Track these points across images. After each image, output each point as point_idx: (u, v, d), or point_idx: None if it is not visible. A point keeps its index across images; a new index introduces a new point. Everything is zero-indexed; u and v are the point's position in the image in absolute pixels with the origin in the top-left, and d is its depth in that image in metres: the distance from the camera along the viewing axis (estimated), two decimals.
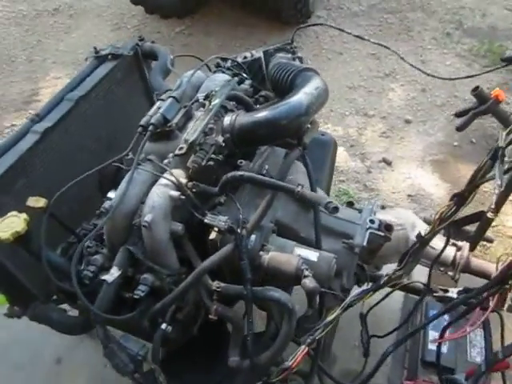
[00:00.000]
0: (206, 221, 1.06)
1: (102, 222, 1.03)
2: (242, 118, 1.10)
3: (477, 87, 1.29)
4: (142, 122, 1.15)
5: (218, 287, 1.06)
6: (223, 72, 1.60)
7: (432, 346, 1.41)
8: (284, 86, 1.36)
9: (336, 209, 0.90)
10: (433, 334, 1.44)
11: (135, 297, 1.04)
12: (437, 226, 0.92)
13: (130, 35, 3.78)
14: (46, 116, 1.42)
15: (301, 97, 1.13)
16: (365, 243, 1.17)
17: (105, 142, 1.67)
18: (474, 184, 0.87)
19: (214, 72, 1.63)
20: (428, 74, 1.43)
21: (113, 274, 1.04)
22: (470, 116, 1.27)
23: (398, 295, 1.94)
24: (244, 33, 3.79)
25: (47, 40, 3.80)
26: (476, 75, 1.38)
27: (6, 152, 1.32)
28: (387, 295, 1.48)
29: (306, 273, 1.05)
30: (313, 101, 1.14)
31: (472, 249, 1.69)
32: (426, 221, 1.95)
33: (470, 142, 2.86)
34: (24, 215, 1.05)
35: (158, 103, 1.20)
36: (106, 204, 1.06)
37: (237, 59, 1.71)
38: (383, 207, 2.21)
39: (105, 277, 1.04)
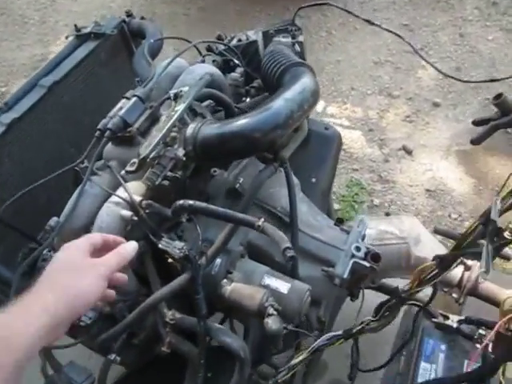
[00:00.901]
0: (160, 246, 0.94)
1: (46, 243, 0.93)
2: (207, 128, 0.95)
3: (500, 95, 1.07)
4: (100, 125, 1.02)
5: (172, 319, 0.96)
6: (213, 59, 1.43)
7: (422, 380, 1.27)
8: (272, 81, 1.19)
9: (293, 258, 0.76)
10: (425, 367, 1.31)
11: (81, 324, 0.95)
12: (415, 286, 0.77)
13: None
14: (14, 105, 1.31)
15: (279, 105, 0.96)
16: (345, 275, 1.03)
17: (88, 129, 1.55)
18: (458, 252, 0.71)
19: (203, 57, 1.47)
20: (444, 74, 1.21)
21: None
22: (489, 128, 1.07)
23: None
24: None
25: (61, 0, 3.65)
26: (505, 78, 1.16)
27: None
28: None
29: (271, 311, 0.93)
30: (294, 109, 0.97)
31: None
32: (436, 231, 1.77)
33: (504, 132, 2.56)
34: None
35: (120, 102, 1.06)
36: (52, 221, 0.95)
37: (232, 41, 1.53)
38: (388, 214, 2.03)
39: None
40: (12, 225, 1.08)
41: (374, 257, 1.07)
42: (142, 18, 1.60)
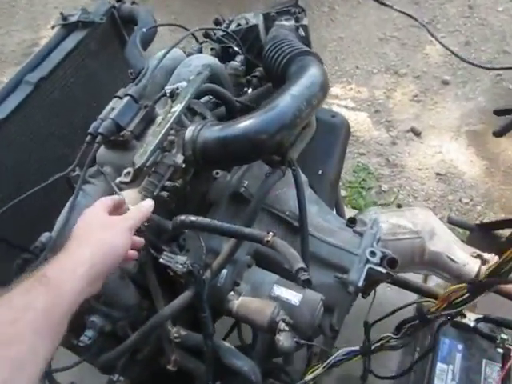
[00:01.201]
0: (161, 261, 0.87)
1: (38, 261, 0.86)
2: (207, 131, 0.86)
3: None
4: (91, 128, 0.93)
5: (176, 336, 0.90)
6: (211, 47, 1.33)
7: (439, 382, 1.22)
8: (276, 73, 1.09)
9: (307, 281, 0.69)
10: (441, 367, 1.25)
11: (80, 345, 0.89)
12: (442, 309, 0.70)
13: None
14: None
15: (286, 102, 0.87)
16: (360, 283, 0.96)
17: (80, 125, 1.46)
18: (495, 279, 0.63)
19: (201, 44, 1.37)
20: (462, 59, 1.11)
21: None
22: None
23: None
24: None
25: None
26: None
27: None
28: (397, 310, 1.29)
29: (282, 326, 0.86)
30: (302, 106, 0.88)
31: None
32: (450, 221, 1.70)
33: None
34: None
35: (112, 102, 0.97)
36: (43, 237, 0.88)
37: (230, 25, 1.43)
38: (400, 206, 1.95)
39: None
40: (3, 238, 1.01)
41: (391, 262, 1.00)
42: (133, 3, 1.49)
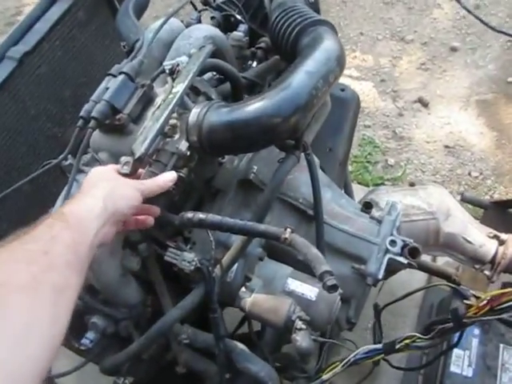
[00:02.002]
0: (166, 258, 0.80)
1: None
2: (214, 114, 0.77)
3: None
4: (83, 111, 0.84)
5: (186, 338, 0.83)
6: (211, 16, 1.22)
7: (455, 368, 1.19)
8: (285, 45, 0.99)
9: (334, 287, 0.62)
10: (457, 353, 1.21)
11: (82, 348, 0.83)
12: (481, 314, 0.63)
13: None
14: None
15: (301, 80, 0.77)
16: (380, 275, 0.90)
17: (71, 102, 1.36)
18: None
19: (199, 12, 1.25)
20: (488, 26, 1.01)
21: None
22: None
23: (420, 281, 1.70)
24: None
25: None
26: None
27: None
28: (409, 294, 1.24)
29: (299, 324, 0.80)
30: (319, 84, 0.78)
31: None
32: (463, 199, 1.63)
33: None
34: None
35: (105, 81, 0.87)
36: None
37: None
38: (412, 184, 1.88)
39: None
40: None
41: (413, 251, 0.93)
42: None
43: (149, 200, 0.71)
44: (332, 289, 0.61)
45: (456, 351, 1.21)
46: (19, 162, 1.20)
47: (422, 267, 1.56)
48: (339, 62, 0.85)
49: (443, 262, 1.80)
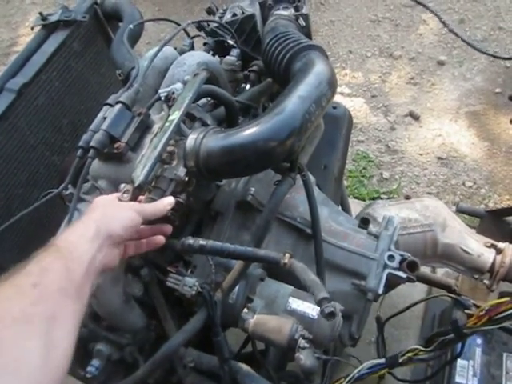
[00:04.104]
0: (167, 284, 0.81)
1: None
2: (211, 139, 0.79)
3: None
4: (82, 141, 0.86)
5: (190, 361, 0.84)
6: (204, 42, 1.25)
7: (460, 379, 1.19)
8: (278, 70, 1.02)
9: (331, 314, 0.63)
10: (462, 363, 1.22)
11: (87, 376, 0.83)
12: (481, 324, 0.64)
13: None
14: None
15: (294, 105, 0.80)
16: (380, 290, 0.91)
17: (69, 130, 1.38)
18: None
19: (192, 38, 1.28)
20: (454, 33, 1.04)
21: None
22: None
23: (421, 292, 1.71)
24: None
25: None
26: None
27: None
28: (411, 306, 1.25)
29: (302, 343, 0.81)
30: (311, 108, 0.81)
31: None
32: (459, 210, 1.65)
33: None
34: None
35: (102, 110, 0.89)
36: None
37: (225, 15, 1.34)
38: (408, 197, 1.90)
39: None
40: None
41: (411, 265, 0.95)
42: None
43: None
44: (330, 316, 0.63)
45: (460, 362, 1.21)
46: (20, 190, 1.21)
47: (422, 279, 1.58)
48: (331, 86, 0.88)
49: (443, 272, 1.81)
